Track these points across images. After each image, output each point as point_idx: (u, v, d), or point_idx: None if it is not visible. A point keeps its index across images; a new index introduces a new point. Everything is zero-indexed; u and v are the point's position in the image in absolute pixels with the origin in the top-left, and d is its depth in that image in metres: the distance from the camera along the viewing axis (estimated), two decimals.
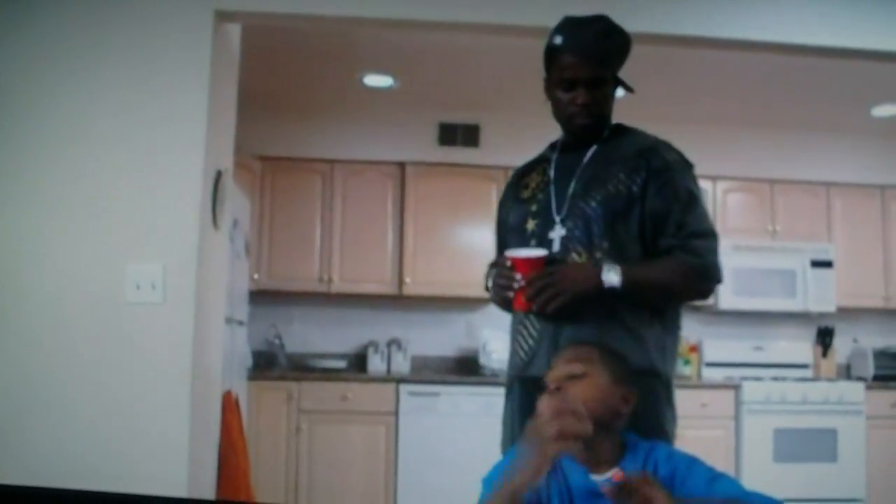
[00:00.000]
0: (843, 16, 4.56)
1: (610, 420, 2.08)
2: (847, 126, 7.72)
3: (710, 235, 2.72)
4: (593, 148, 2.84)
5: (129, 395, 3.80)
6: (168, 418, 3.81)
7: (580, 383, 2.11)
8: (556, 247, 2.73)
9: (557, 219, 2.76)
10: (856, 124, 7.66)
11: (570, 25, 2.80)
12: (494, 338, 7.11)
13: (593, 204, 2.71)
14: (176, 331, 3.85)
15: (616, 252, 2.66)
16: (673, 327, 2.77)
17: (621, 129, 2.91)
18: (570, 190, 2.79)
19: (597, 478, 2.08)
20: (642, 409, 2.16)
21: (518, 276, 2.64)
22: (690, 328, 7.68)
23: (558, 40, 2.78)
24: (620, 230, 2.69)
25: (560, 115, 2.85)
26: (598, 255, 2.66)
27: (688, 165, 2.80)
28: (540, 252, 2.69)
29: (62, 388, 3.78)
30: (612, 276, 2.57)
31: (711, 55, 5.71)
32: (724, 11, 4.49)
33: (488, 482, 2.15)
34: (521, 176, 3.04)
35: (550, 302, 2.58)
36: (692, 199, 2.71)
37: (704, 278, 2.71)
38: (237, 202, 5.29)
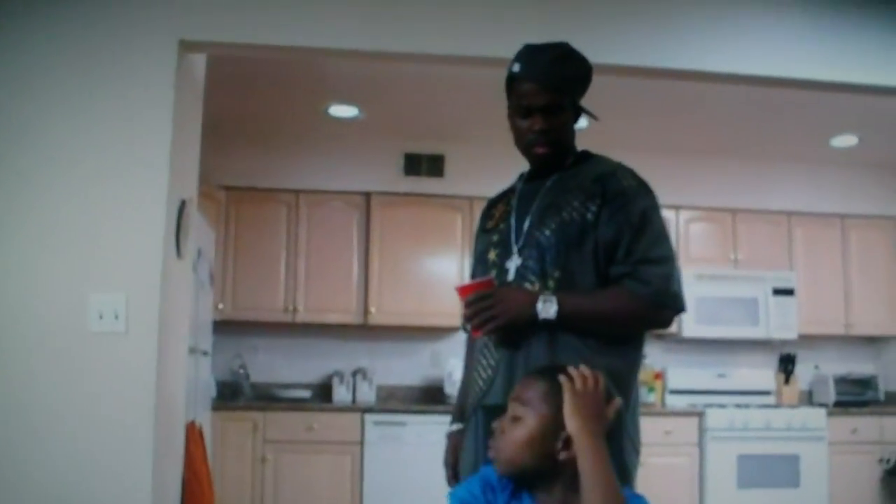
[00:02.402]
0: (803, 48, 4.62)
1: (548, 466, 2.00)
2: (807, 156, 7.82)
3: (662, 262, 2.64)
4: (554, 176, 2.81)
5: (91, 426, 3.77)
6: (131, 449, 3.79)
7: (516, 428, 2.09)
8: (510, 276, 2.73)
9: (515, 248, 2.76)
10: (815, 154, 7.76)
11: (527, 52, 2.79)
12: (460, 367, 7.09)
13: (547, 233, 2.69)
14: (139, 361, 3.83)
15: (568, 281, 2.65)
16: (633, 356, 2.72)
17: (585, 157, 2.89)
18: (528, 219, 2.77)
19: None
20: None
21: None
22: (654, 356, 7.73)
23: (516, 68, 2.77)
24: (574, 259, 2.66)
25: (519, 142, 2.84)
26: (551, 284, 2.64)
27: (646, 191, 2.73)
28: (483, 279, 2.71)
29: (24, 417, 3.74)
30: (548, 308, 2.56)
31: (674, 86, 5.76)
32: (685, 43, 4.53)
33: (454, 496, 2.15)
34: (490, 206, 3.03)
35: (485, 324, 2.60)
36: (645, 225, 2.65)
37: (653, 307, 2.63)
38: (202, 232, 5.29)
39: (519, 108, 2.79)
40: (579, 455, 1.94)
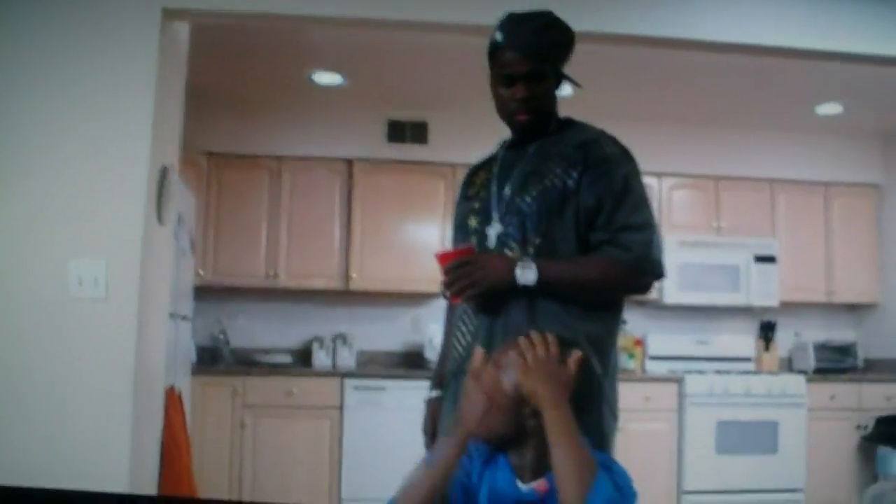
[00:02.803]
0: (788, 15, 4.62)
1: (519, 430, 2.03)
2: (791, 124, 7.81)
3: (642, 228, 2.65)
4: (536, 143, 2.82)
5: (71, 391, 3.78)
6: (110, 414, 3.80)
7: (473, 398, 2.10)
8: (491, 243, 2.74)
9: (496, 216, 2.77)
10: (800, 122, 7.76)
11: (510, 21, 2.78)
12: (440, 333, 7.09)
13: (528, 199, 2.70)
14: (119, 326, 3.83)
15: (549, 248, 2.66)
16: (612, 321, 2.75)
17: (567, 124, 2.89)
18: (509, 186, 2.78)
19: (523, 486, 2.08)
20: (574, 407, 2.04)
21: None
22: (635, 322, 7.76)
23: (499, 36, 2.76)
24: (555, 226, 2.67)
25: (502, 110, 2.83)
26: (531, 251, 2.66)
27: (628, 158, 2.75)
28: (463, 246, 2.75)
29: (3, 382, 3.75)
30: (527, 274, 2.58)
31: (657, 53, 5.75)
32: (669, 10, 4.52)
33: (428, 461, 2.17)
34: (472, 174, 3.03)
35: (464, 291, 2.61)
36: (626, 192, 2.66)
37: (634, 273, 2.65)
38: (183, 198, 5.27)
39: (501, 77, 2.78)
40: (546, 425, 1.96)
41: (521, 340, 2.09)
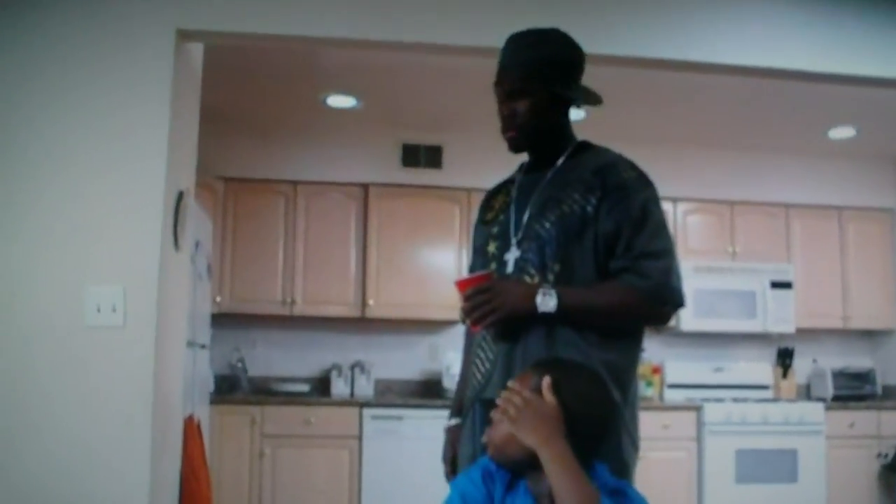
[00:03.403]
0: (801, 39, 4.61)
1: (534, 456, 2.00)
2: (805, 148, 7.81)
3: (662, 255, 2.61)
4: (554, 168, 2.79)
5: (88, 420, 3.74)
6: (128, 444, 3.76)
7: (497, 426, 2.12)
8: (510, 269, 2.72)
9: (514, 241, 2.74)
10: (813, 146, 7.75)
11: (509, 38, 2.79)
12: (458, 360, 7.08)
13: (547, 225, 2.67)
14: (136, 354, 3.80)
15: (568, 274, 2.63)
16: (632, 350, 2.70)
17: (585, 147, 2.85)
18: (528, 211, 2.75)
19: None
20: (578, 439, 2.03)
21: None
22: (652, 350, 7.73)
23: (499, 55, 2.78)
24: (574, 252, 2.64)
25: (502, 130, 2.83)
26: (550, 277, 2.63)
27: (646, 184, 2.70)
28: (482, 272, 2.71)
29: (20, 413, 3.71)
30: (547, 301, 2.55)
31: (671, 77, 5.75)
32: (683, 34, 4.51)
33: (455, 485, 2.19)
34: (490, 198, 3.01)
35: (484, 318, 2.59)
36: (645, 219, 2.62)
37: (653, 301, 2.60)
38: (199, 223, 5.26)
39: (496, 95, 2.80)
40: (543, 466, 1.98)
41: (502, 396, 2.11)
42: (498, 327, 2.66)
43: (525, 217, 2.75)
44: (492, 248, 2.82)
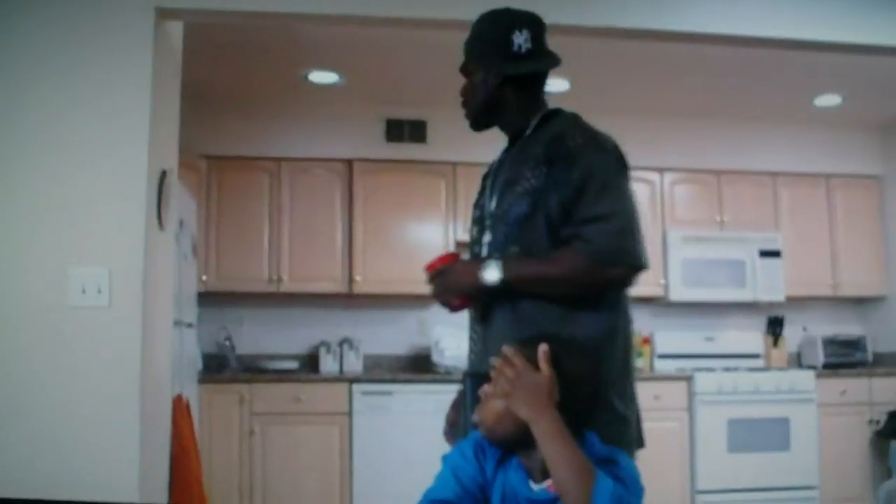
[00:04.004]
0: (787, 7, 4.59)
1: (525, 434, 2.00)
2: (791, 116, 7.79)
3: (606, 218, 2.57)
4: (517, 145, 2.86)
5: (76, 402, 3.73)
6: (117, 424, 3.75)
7: (487, 404, 2.12)
8: (484, 252, 2.79)
9: (487, 224, 2.82)
10: (800, 114, 7.73)
11: None
12: (447, 335, 7.08)
13: (505, 206, 2.73)
14: (123, 335, 3.79)
15: (525, 253, 2.66)
16: (605, 322, 2.65)
17: (550, 117, 2.85)
18: (496, 192, 2.82)
19: (535, 486, 2.07)
20: (564, 414, 2.02)
21: None
22: (641, 320, 7.72)
23: None
24: (528, 230, 2.66)
25: None
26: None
27: (593, 148, 2.67)
28: (446, 254, 2.84)
29: (8, 395, 3.70)
30: (490, 273, 2.61)
31: (656, 47, 5.72)
32: (668, 4, 4.50)
33: (447, 459, 2.19)
34: (483, 179, 3.04)
35: (440, 297, 2.77)
36: (586, 183, 2.59)
37: (599, 265, 2.56)
38: (183, 202, 5.23)
39: None
40: (536, 439, 1.98)
41: (494, 365, 2.11)
42: (472, 307, 2.81)
43: (494, 199, 2.82)
44: (473, 231, 2.93)
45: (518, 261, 2.64)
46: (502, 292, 2.64)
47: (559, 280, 2.59)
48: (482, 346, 2.75)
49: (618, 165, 2.69)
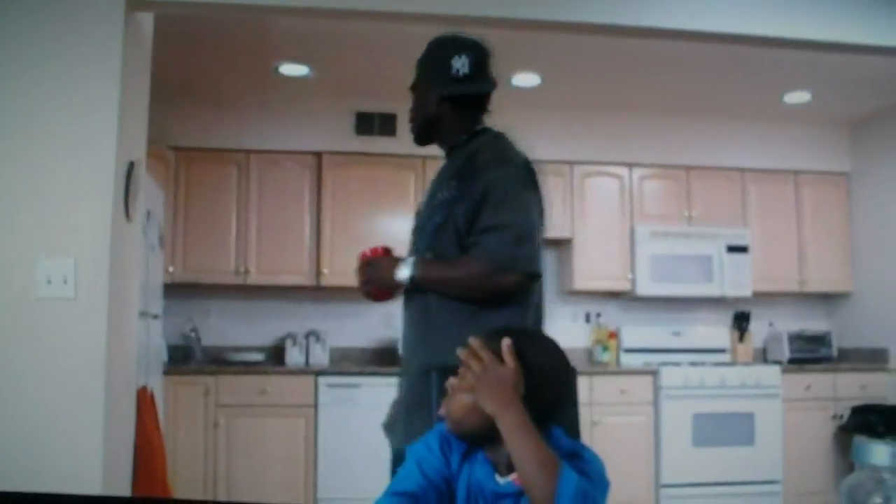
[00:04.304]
0: (757, 4, 4.61)
1: (491, 428, 1.98)
2: (760, 113, 7.82)
3: (502, 227, 2.83)
4: (447, 161, 3.17)
5: (40, 392, 3.71)
6: (81, 415, 3.73)
7: (462, 392, 2.11)
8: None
9: (416, 231, 3.14)
10: (768, 111, 7.77)
11: None
12: None
13: (425, 217, 3.04)
14: (89, 326, 3.77)
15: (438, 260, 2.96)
16: (511, 321, 2.83)
17: (478, 135, 3.13)
18: (425, 204, 3.14)
19: (500, 479, 2.08)
20: (530, 407, 2.02)
21: None
22: (608, 314, 7.80)
23: None
24: (442, 239, 2.92)
25: None
26: None
27: (499, 163, 2.93)
28: (376, 247, 3.12)
29: None
30: (403, 271, 2.93)
31: (627, 43, 5.74)
32: (639, 1, 4.50)
33: (412, 450, 2.18)
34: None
35: (362, 286, 3.07)
36: (487, 196, 2.85)
37: (491, 271, 2.82)
38: (151, 194, 5.20)
39: None
40: (503, 435, 1.97)
41: (462, 357, 2.10)
42: (385, 300, 3.13)
43: (423, 209, 3.14)
44: (413, 237, 3.19)
45: (428, 263, 2.93)
46: (416, 290, 2.94)
47: (458, 283, 2.87)
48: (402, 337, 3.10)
49: (520, 179, 2.93)
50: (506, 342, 2.04)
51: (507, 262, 2.82)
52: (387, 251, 3.09)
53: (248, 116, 7.38)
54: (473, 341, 2.11)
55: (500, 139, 3.09)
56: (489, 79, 3.18)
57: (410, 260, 2.96)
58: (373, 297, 3.12)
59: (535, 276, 2.91)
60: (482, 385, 2.00)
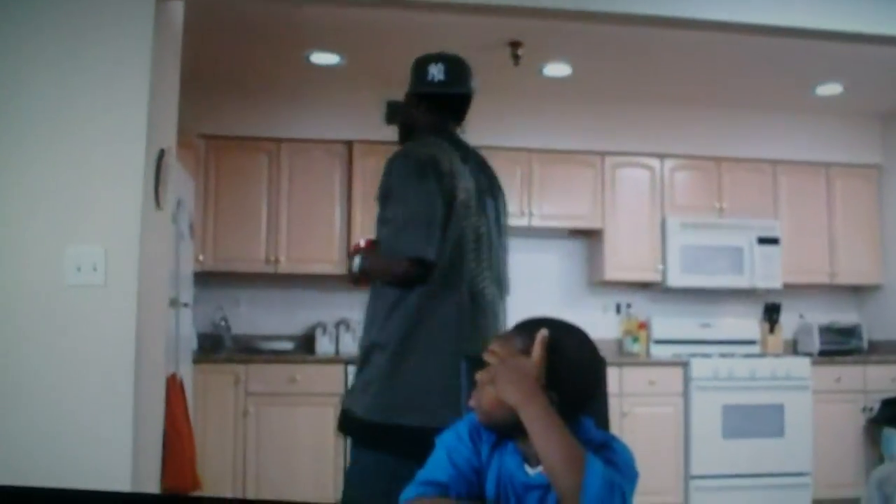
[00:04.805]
0: None
1: (514, 421, 1.96)
2: (792, 105, 7.77)
3: (390, 221, 3.17)
4: None
5: (70, 380, 3.72)
6: (111, 403, 3.75)
7: (482, 390, 2.11)
8: None
9: None
10: (800, 103, 7.71)
11: None
12: None
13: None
14: (118, 314, 3.78)
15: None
16: (408, 315, 3.12)
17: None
18: None
19: (530, 471, 2.07)
20: (563, 398, 2.01)
21: None
22: (639, 306, 7.77)
23: None
24: (379, 233, 3.23)
25: None
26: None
27: (395, 158, 3.26)
28: (366, 239, 3.42)
29: (1, 372, 3.70)
30: (356, 262, 3.30)
31: (658, 34, 5.71)
32: None
33: (442, 440, 2.18)
34: None
35: (348, 274, 3.42)
36: (381, 194, 3.23)
37: (388, 262, 3.16)
38: (181, 182, 5.22)
39: None
40: (526, 427, 1.95)
41: (489, 350, 2.11)
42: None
43: None
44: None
45: (367, 255, 3.28)
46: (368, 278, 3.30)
47: (378, 273, 3.24)
48: None
49: (411, 170, 3.18)
50: (542, 333, 2.03)
51: (395, 253, 3.11)
52: (374, 243, 3.29)
53: (279, 105, 7.39)
54: (503, 333, 2.12)
55: (423, 140, 3.37)
56: (464, 85, 3.49)
57: (363, 254, 3.31)
58: (356, 285, 3.42)
59: (421, 260, 3.07)
60: (501, 379, 2.00)
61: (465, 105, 3.54)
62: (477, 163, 3.47)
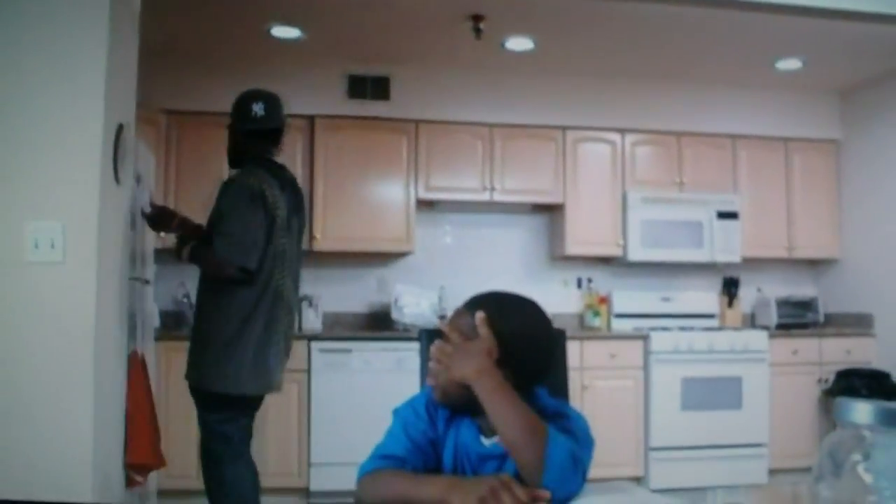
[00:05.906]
0: None
1: (470, 399, 2.00)
2: (752, 79, 7.82)
3: (224, 235, 4.28)
4: None
5: (29, 357, 3.69)
6: (71, 380, 3.72)
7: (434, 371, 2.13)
8: None
9: None
10: (760, 78, 7.76)
11: None
12: (406, 292, 7.11)
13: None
14: (77, 290, 3.75)
15: None
16: (229, 300, 4.41)
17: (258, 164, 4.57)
18: None
19: (486, 441, 2.09)
20: (517, 371, 2.07)
21: None
22: (600, 280, 7.83)
23: None
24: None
25: None
26: None
27: (228, 185, 4.42)
28: None
29: None
30: (185, 250, 4.47)
31: (620, 8, 5.73)
32: None
33: (398, 413, 2.20)
34: None
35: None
36: (220, 210, 4.36)
37: (219, 264, 4.32)
38: (141, 157, 5.18)
39: None
40: (482, 402, 1.98)
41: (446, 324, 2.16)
42: None
43: None
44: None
45: (197, 248, 4.44)
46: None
47: (208, 267, 4.45)
48: None
49: (246, 197, 4.30)
50: (479, 315, 2.06)
51: (226, 258, 4.27)
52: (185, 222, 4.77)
53: (241, 79, 7.26)
54: (441, 323, 2.14)
55: (251, 169, 4.44)
56: (278, 119, 4.65)
57: (193, 243, 4.46)
58: (181, 261, 4.57)
59: (245, 269, 4.27)
60: (454, 361, 2.02)
61: (281, 134, 4.69)
62: (289, 186, 4.59)
